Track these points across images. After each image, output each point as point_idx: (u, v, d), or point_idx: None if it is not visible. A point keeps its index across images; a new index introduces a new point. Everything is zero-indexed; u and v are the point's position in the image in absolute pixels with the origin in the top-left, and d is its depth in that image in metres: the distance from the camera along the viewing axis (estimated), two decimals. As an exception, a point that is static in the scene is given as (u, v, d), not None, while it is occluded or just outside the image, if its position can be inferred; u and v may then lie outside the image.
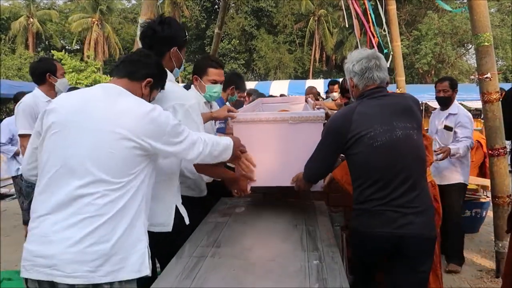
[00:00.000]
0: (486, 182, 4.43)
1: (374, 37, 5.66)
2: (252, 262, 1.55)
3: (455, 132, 3.58)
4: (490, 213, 3.58)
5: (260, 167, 2.12)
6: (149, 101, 1.62)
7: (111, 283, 1.36)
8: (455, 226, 3.58)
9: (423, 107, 13.99)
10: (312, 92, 5.85)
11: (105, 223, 1.36)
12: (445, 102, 3.68)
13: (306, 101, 3.34)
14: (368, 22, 5.63)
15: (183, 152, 1.57)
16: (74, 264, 1.32)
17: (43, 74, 2.98)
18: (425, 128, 3.90)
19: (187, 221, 1.87)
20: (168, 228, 1.79)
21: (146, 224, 1.53)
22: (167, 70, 1.86)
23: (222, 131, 3.05)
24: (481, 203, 4.50)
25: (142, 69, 1.58)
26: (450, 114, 3.65)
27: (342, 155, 2.45)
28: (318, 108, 2.36)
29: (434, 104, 13.87)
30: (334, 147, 1.91)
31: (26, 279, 1.40)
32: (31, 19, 29.96)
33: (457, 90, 3.68)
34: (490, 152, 3.33)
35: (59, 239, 1.34)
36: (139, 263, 1.42)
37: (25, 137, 2.85)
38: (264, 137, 2.11)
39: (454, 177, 3.61)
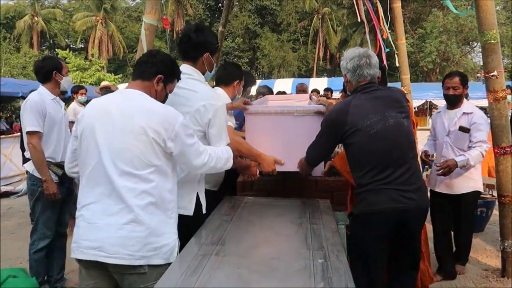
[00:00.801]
0: (492, 180, 4.40)
1: (383, 33, 5.59)
2: (257, 261, 1.54)
3: (469, 135, 3.17)
4: (495, 212, 3.55)
5: (268, 154, 2.39)
6: (166, 94, 1.82)
7: (144, 266, 1.58)
8: (466, 232, 3.38)
9: (428, 105, 13.94)
10: (303, 89, 5.82)
11: (141, 213, 1.58)
12: (454, 100, 3.25)
13: (310, 98, 3.45)
14: (378, 19, 5.57)
15: (189, 155, 1.72)
16: (117, 247, 1.55)
17: (50, 72, 2.97)
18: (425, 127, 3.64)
19: (204, 210, 2.04)
20: (189, 212, 1.97)
21: (177, 217, 1.75)
22: (200, 72, 2.08)
23: (237, 129, 3.13)
24: (486, 202, 4.47)
25: (150, 68, 1.74)
26: (464, 113, 3.19)
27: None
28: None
29: (439, 102, 13.84)
30: (332, 137, 2.16)
31: (79, 260, 1.63)
32: (36, 18, 30.09)
33: (468, 86, 3.28)
34: (496, 150, 3.30)
35: (103, 225, 1.57)
36: (169, 252, 1.65)
37: (33, 134, 2.83)
38: (273, 127, 2.40)
39: (468, 185, 3.22)
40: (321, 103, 2.51)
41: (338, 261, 1.51)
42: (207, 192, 2.13)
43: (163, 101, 1.81)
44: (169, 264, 1.59)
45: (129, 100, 1.67)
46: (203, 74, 2.11)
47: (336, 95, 8.52)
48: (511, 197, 3.28)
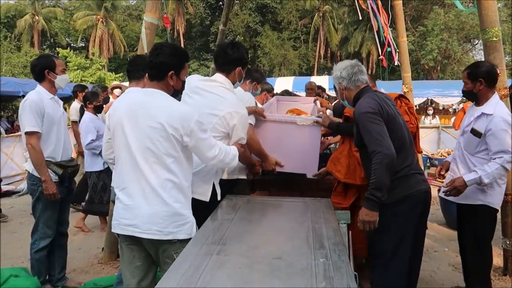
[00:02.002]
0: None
1: (385, 30, 5.58)
2: (258, 260, 1.53)
3: (485, 142, 2.60)
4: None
5: (272, 155, 2.68)
6: (183, 82, 2.03)
7: (172, 241, 1.86)
8: (470, 261, 2.79)
9: (429, 103, 13.90)
10: (311, 87, 5.83)
11: (166, 196, 1.85)
12: (471, 98, 2.78)
13: (314, 102, 3.68)
14: (380, 15, 5.54)
15: (203, 148, 1.95)
16: (148, 224, 1.85)
17: (42, 71, 2.92)
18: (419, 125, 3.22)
19: (219, 197, 2.31)
20: (206, 198, 2.26)
21: (191, 199, 2.01)
22: (231, 82, 2.37)
23: None
24: (488, 200, 4.43)
25: (159, 67, 1.92)
26: (483, 113, 2.63)
27: (332, 145, 3.48)
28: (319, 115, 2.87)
29: (440, 100, 13.81)
30: (381, 122, 2.16)
31: (118, 234, 1.96)
32: (36, 17, 30.08)
33: (486, 79, 2.63)
34: (498, 148, 3.27)
35: (137, 205, 1.87)
36: (190, 229, 1.92)
37: (31, 134, 2.80)
38: (278, 133, 2.74)
39: (478, 196, 2.65)
40: (319, 115, 2.80)
41: (340, 260, 1.50)
42: (223, 181, 2.41)
43: (182, 87, 2.05)
44: (190, 238, 1.84)
45: (151, 101, 1.90)
46: (234, 84, 2.41)
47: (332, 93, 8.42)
48: (513, 196, 3.25)
